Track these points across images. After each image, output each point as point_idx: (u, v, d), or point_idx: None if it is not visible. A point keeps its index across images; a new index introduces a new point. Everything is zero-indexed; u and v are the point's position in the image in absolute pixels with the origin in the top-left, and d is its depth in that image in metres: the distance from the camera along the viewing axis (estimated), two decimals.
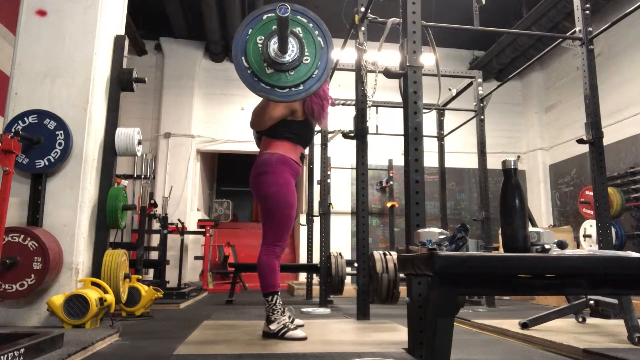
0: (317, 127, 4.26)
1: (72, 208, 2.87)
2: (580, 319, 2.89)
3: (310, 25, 2.21)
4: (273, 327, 2.44)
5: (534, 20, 6.92)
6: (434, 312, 1.36)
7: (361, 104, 3.52)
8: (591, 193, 3.48)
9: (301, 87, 2.17)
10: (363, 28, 3.43)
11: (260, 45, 2.14)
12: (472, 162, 6.83)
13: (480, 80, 5.12)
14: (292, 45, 2.14)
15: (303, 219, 6.71)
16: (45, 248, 2.60)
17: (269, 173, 2.54)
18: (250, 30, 2.16)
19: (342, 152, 7.60)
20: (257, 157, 2.65)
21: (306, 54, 2.16)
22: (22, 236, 2.61)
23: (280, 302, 2.52)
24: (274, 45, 2.12)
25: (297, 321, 2.71)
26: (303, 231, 6.42)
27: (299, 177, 2.75)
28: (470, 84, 5.27)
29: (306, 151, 3.16)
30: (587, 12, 3.51)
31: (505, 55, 8.04)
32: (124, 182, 6.24)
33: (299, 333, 2.43)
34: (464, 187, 8.71)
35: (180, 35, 8.19)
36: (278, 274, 2.56)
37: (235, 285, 5.25)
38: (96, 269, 2.96)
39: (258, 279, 2.55)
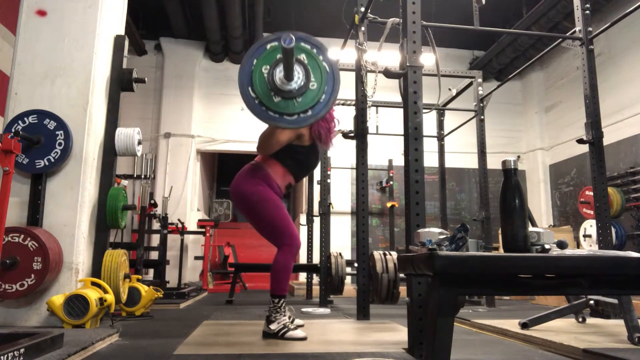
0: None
1: (72, 208, 2.87)
2: (580, 319, 2.89)
3: (314, 51, 2.20)
4: (273, 327, 2.44)
5: (534, 20, 6.92)
6: (434, 312, 1.36)
7: (361, 104, 3.51)
8: (591, 193, 3.48)
9: (310, 113, 2.16)
10: (363, 28, 3.43)
11: (266, 75, 2.14)
12: (472, 162, 6.82)
13: (480, 80, 5.12)
14: (298, 72, 2.13)
15: (303, 219, 6.70)
16: (45, 248, 2.60)
17: (246, 184, 2.53)
18: (255, 60, 2.16)
19: (342, 152, 7.58)
20: (242, 169, 2.63)
21: (312, 79, 2.16)
22: (22, 236, 2.61)
23: (285, 306, 2.52)
24: (279, 73, 2.12)
25: (297, 321, 2.71)
26: (303, 231, 6.42)
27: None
28: (470, 84, 5.27)
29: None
30: (587, 12, 3.50)
31: (505, 55, 8.04)
32: (124, 182, 6.25)
33: (299, 333, 2.43)
34: (464, 187, 8.71)
35: (180, 35, 8.19)
36: (289, 278, 2.56)
37: (235, 285, 5.25)
38: (96, 269, 2.96)
39: (270, 277, 2.52)
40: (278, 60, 2.13)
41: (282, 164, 2.59)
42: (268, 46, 2.18)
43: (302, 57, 2.16)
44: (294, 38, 1.92)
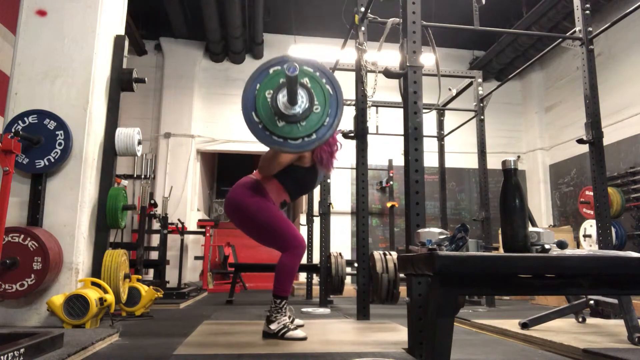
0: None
1: (72, 208, 2.87)
2: (580, 319, 2.89)
3: (317, 74, 2.18)
4: (273, 327, 2.44)
5: (534, 20, 6.92)
6: (434, 312, 1.36)
7: (361, 104, 3.51)
8: (591, 193, 3.48)
9: (314, 136, 2.13)
10: (363, 28, 3.43)
11: (269, 100, 2.12)
12: (472, 162, 6.83)
13: (480, 80, 5.12)
14: (301, 96, 2.11)
15: (303, 219, 6.70)
16: (45, 248, 2.60)
17: (244, 195, 2.54)
18: (258, 85, 2.14)
19: (342, 152, 7.58)
20: (239, 180, 2.63)
21: (316, 103, 2.13)
22: (22, 236, 2.61)
23: (286, 307, 2.52)
24: (283, 98, 2.09)
25: (297, 321, 2.71)
26: (303, 231, 6.43)
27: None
28: (470, 84, 5.27)
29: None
30: (587, 12, 3.51)
31: (505, 55, 8.04)
32: (124, 182, 6.24)
33: (299, 333, 2.43)
34: (464, 187, 8.71)
35: (180, 35, 8.18)
36: (293, 279, 2.56)
37: (235, 285, 5.25)
38: (96, 269, 2.96)
39: (274, 277, 2.51)
40: (281, 84, 2.11)
41: (279, 180, 2.60)
42: (270, 70, 2.15)
43: (305, 80, 2.14)
44: (298, 67, 1.91)
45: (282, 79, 2.11)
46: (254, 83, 2.15)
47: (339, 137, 2.75)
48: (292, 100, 2.07)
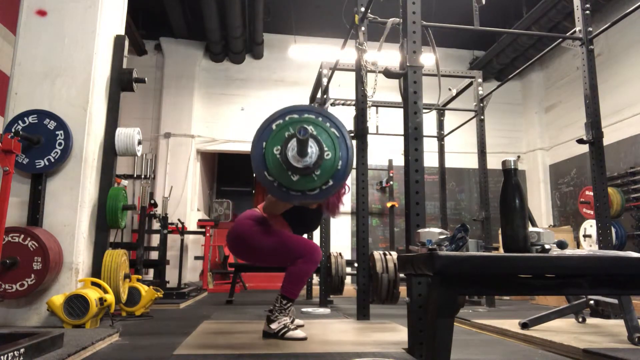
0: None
1: (72, 208, 2.87)
2: (580, 319, 2.89)
3: (320, 119, 2.14)
4: (274, 326, 2.44)
5: (534, 20, 6.92)
6: (434, 312, 1.36)
7: (361, 104, 3.51)
8: (591, 193, 3.48)
9: (331, 183, 2.09)
10: (363, 28, 3.43)
11: (278, 156, 2.07)
12: (472, 162, 6.83)
13: (480, 80, 5.12)
14: (310, 146, 2.07)
15: None
16: (45, 248, 2.60)
17: (248, 225, 2.55)
18: (265, 143, 2.10)
19: None
20: (244, 213, 2.65)
21: (325, 149, 2.09)
22: (22, 236, 2.61)
23: (290, 310, 2.52)
24: (292, 152, 2.05)
25: (297, 321, 2.71)
26: None
27: None
28: (470, 84, 5.27)
29: None
30: (587, 12, 3.50)
31: (505, 55, 8.04)
32: (124, 182, 6.25)
33: (299, 333, 2.43)
34: (464, 187, 8.71)
35: (180, 35, 8.19)
36: (304, 284, 2.57)
37: (235, 285, 5.25)
38: (96, 269, 2.96)
39: (285, 277, 2.51)
40: (287, 138, 2.07)
41: (284, 218, 2.62)
42: (273, 126, 2.12)
43: (310, 128, 2.09)
44: (308, 128, 1.91)
45: (287, 133, 2.08)
46: (259, 142, 2.10)
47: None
48: (303, 153, 2.04)
